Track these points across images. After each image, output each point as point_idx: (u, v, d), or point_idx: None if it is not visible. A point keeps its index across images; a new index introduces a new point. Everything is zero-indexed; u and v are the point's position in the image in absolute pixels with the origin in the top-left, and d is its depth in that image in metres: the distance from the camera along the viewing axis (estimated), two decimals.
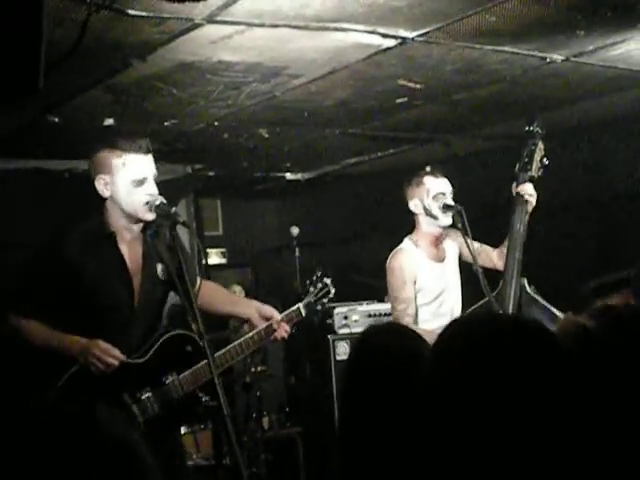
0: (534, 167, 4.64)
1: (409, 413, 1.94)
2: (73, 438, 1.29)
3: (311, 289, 4.20)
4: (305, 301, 4.15)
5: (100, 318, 3.70)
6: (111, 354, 3.62)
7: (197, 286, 3.99)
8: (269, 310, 4.04)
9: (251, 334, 3.95)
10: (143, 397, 3.70)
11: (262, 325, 3.98)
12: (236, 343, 3.93)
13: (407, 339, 2.40)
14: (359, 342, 2.44)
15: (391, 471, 2.09)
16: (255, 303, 4.13)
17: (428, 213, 4.84)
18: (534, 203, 4.62)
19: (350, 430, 2.29)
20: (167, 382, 3.76)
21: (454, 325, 1.72)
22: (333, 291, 4.25)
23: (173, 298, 4.16)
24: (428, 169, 5.06)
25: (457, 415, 1.53)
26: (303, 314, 4.13)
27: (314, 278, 4.25)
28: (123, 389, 3.67)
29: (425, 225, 4.89)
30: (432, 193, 4.82)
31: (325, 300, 4.22)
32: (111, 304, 3.74)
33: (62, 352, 3.63)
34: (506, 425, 1.49)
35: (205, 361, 3.68)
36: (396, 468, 2.08)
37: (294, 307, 4.10)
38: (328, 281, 4.25)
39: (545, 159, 4.66)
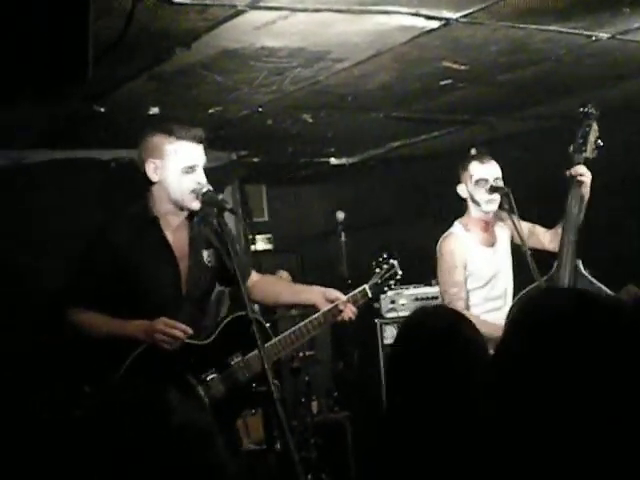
0: (589, 148, 4.61)
1: (455, 394, 1.93)
2: (149, 427, 1.30)
3: (377, 270, 4.17)
4: (371, 282, 4.13)
5: (149, 304, 3.74)
6: (177, 327, 3.64)
7: (250, 278, 4.03)
8: (334, 293, 4.04)
9: (317, 315, 3.96)
10: (208, 378, 3.73)
11: (326, 308, 3.97)
12: (302, 324, 3.94)
13: (453, 322, 2.39)
14: (405, 325, 2.44)
15: (438, 455, 2.09)
16: (318, 288, 4.13)
17: (472, 199, 4.85)
18: (589, 185, 4.59)
19: (397, 412, 2.29)
20: (232, 363, 3.78)
21: (533, 299, 1.69)
22: (400, 273, 4.22)
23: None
24: (474, 152, 5.05)
25: (542, 389, 1.50)
26: (369, 295, 4.11)
27: (380, 259, 4.21)
28: (187, 371, 3.70)
29: (473, 210, 4.89)
30: (475, 179, 4.83)
31: (392, 282, 4.20)
32: (159, 289, 3.78)
33: (126, 338, 3.66)
34: (591, 403, 1.46)
35: (271, 342, 3.71)
36: (443, 452, 2.07)
37: (360, 288, 4.10)
38: (395, 262, 4.21)
39: (599, 140, 4.63)
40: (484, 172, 4.82)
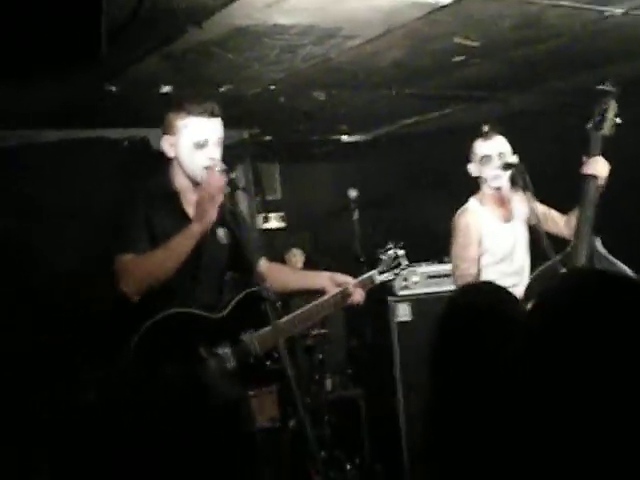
0: (607, 125, 4.59)
1: (501, 374, 1.92)
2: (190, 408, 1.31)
3: (383, 257, 4.19)
4: (379, 269, 4.16)
5: (168, 278, 3.74)
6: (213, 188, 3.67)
7: (259, 263, 4.05)
8: (342, 277, 4.07)
9: (326, 297, 3.99)
10: (220, 352, 3.74)
11: (336, 290, 3.99)
12: (312, 304, 3.96)
13: (498, 299, 2.38)
14: (450, 303, 2.42)
15: (483, 435, 2.08)
16: (326, 273, 4.15)
17: (481, 176, 4.87)
18: (605, 178, 4.57)
19: (442, 393, 2.28)
20: (244, 339, 3.79)
21: (557, 281, 1.68)
22: (405, 263, 4.24)
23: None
24: (485, 128, 5.03)
25: (563, 370, 1.49)
26: (377, 281, 4.15)
27: (387, 247, 4.24)
28: (199, 343, 3.71)
29: (485, 187, 4.89)
30: (478, 157, 4.85)
31: (396, 271, 4.22)
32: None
33: (186, 248, 3.67)
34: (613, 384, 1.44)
35: (283, 319, 3.73)
36: (488, 434, 2.06)
37: (368, 274, 4.13)
38: (400, 252, 4.24)
39: (618, 118, 4.61)
40: (487, 149, 4.84)
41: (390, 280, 4.27)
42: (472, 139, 4.98)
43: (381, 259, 4.20)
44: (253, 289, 3.81)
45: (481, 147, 4.86)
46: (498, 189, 4.87)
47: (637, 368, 1.44)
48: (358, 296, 4.03)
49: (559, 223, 4.93)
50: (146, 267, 3.69)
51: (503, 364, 2.00)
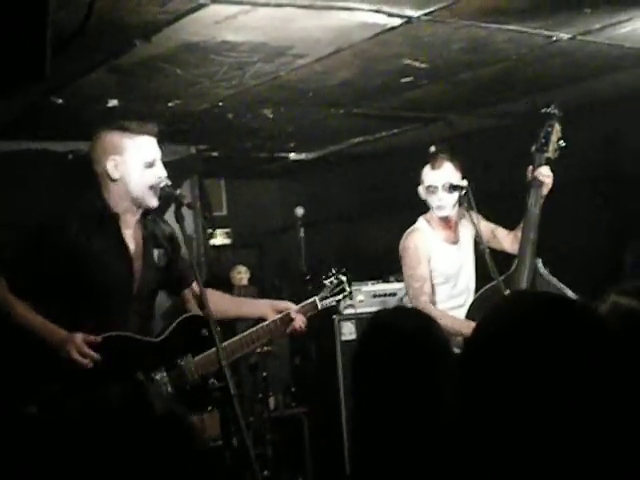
0: (551, 148, 4.65)
1: (424, 394, 1.93)
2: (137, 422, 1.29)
3: (327, 283, 4.20)
4: (321, 295, 4.15)
5: (98, 300, 3.70)
6: (85, 352, 3.58)
7: (191, 288, 4.03)
8: (284, 304, 4.07)
9: (267, 322, 3.97)
10: (157, 377, 3.70)
11: (278, 316, 3.99)
12: (250, 331, 3.94)
13: (417, 320, 2.39)
14: (372, 325, 2.43)
15: (404, 455, 2.09)
16: (265, 301, 4.20)
17: (427, 202, 4.88)
18: (550, 185, 4.63)
19: (362, 411, 2.28)
20: (181, 364, 3.76)
21: (497, 306, 1.68)
22: (348, 290, 4.25)
23: (167, 300, 4.19)
24: (433, 149, 5.05)
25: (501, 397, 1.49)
26: (319, 307, 4.14)
27: (330, 273, 4.25)
28: (137, 368, 3.67)
29: (435, 210, 4.89)
30: (425, 184, 4.85)
31: (340, 297, 4.22)
32: (110, 286, 3.74)
33: (41, 339, 3.59)
34: (549, 406, 1.45)
35: (223, 344, 3.69)
36: (408, 452, 2.07)
37: (310, 300, 4.11)
38: (344, 278, 4.24)
39: (561, 141, 4.67)
40: (433, 179, 4.83)
41: (332, 306, 4.27)
42: (419, 160, 4.98)
43: (324, 285, 4.20)
44: (192, 314, 3.80)
45: (427, 176, 4.85)
46: (445, 216, 4.88)
47: (570, 387, 1.45)
48: (299, 322, 4.02)
49: (506, 240, 4.96)
50: (12, 313, 3.64)
51: (438, 384, 2.02)
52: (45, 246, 3.68)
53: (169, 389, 3.70)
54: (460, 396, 1.56)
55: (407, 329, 2.32)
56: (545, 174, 4.61)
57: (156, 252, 3.89)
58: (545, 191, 4.64)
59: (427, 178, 4.85)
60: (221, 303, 4.09)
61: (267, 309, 4.05)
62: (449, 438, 1.55)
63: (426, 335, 2.29)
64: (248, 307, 4.20)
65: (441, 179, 4.80)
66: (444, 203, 4.80)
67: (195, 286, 4.02)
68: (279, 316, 3.99)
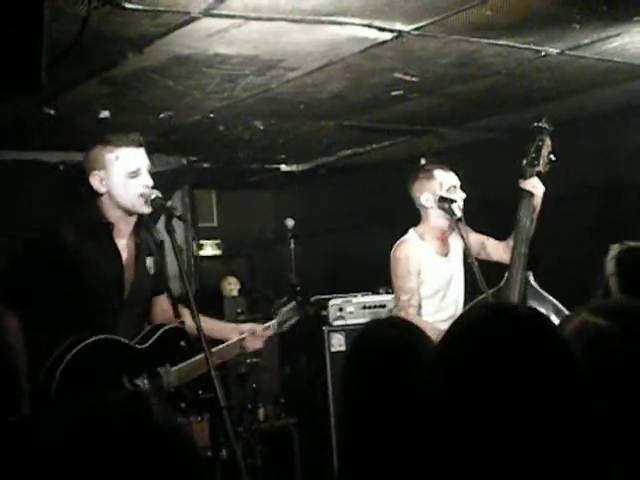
0: (541, 162, 4.68)
1: (409, 406, 1.94)
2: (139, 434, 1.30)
3: (282, 309, 4.44)
4: (276, 320, 4.36)
5: (90, 307, 3.72)
6: None
7: (160, 300, 4.09)
8: (246, 326, 4.24)
9: (225, 344, 4.10)
10: (139, 384, 3.72)
11: (237, 338, 4.14)
12: (212, 350, 3.95)
13: (407, 332, 2.40)
14: (362, 337, 2.44)
15: (392, 465, 2.10)
16: (232, 325, 4.35)
17: (441, 206, 4.80)
18: (540, 198, 4.65)
19: (350, 423, 2.29)
20: (160, 373, 3.78)
21: (458, 321, 1.72)
22: (296, 319, 4.49)
23: None
24: (423, 161, 5.08)
25: (458, 411, 1.53)
26: (276, 330, 4.36)
27: (283, 300, 4.67)
28: (122, 372, 3.69)
29: (434, 218, 4.87)
30: (445, 186, 4.82)
31: (292, 322, 4.46)
32: (102, 294, 3.77)
33: None
34: (506, 421, 1.48)
35: (196, 357, 3.74)
36: (397, 462, 2.08)
37: (267, 324, 4.29)
38: (291, 306, 4.49)
39: (552, 155, 4.70)
40: (452, 179, 4.83)
41: (285, 329, 4.47)
42: (410, 172, 4.99)
43: (280, 311, 4.43)
44: (176, 325, 3.84)
45: (446, 177, 4.75)
46: (453, 220, 4.82)
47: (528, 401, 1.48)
48: (253, 343, 4.18)
49: (497, 250, 4.96)
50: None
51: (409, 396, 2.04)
52: (43, 256, 3.72)
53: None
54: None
55: (398, 341, 2.33)
56: (535, 186, 4.64)
57: (148, 260, 3.93)
58: (536, 203, 4.66)
59: (446, 179, 4.81)
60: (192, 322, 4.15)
61: (233, 333, 4.17)
62: (439, 449, 1.57)
63: (416, 347, 2.31)
64: (215, 330, 4.19)
65: (457, 180, 4.82)
66: (461, 203, 4.80)
67: (165, 298, 4.09)
68: (236, 339, 4.13)
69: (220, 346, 4.05)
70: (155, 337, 3.82)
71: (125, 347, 3.71)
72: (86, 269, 3.73)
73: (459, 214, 4.75)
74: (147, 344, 3.79)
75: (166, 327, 3.87)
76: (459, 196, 4.82)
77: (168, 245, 3.85)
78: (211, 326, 4.21)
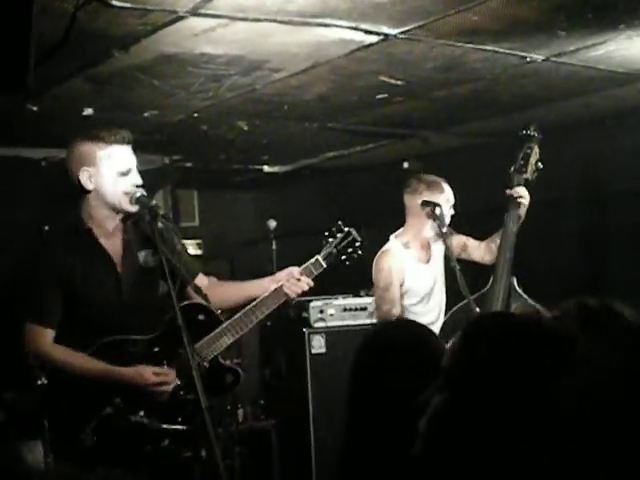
0: (529, 170, 4.71)
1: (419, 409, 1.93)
2: None
3: (330, 240, 4.03)
4: (324, 252, 4.01)
5: (92, 313, 3.70)
6: (157, 381, 3.67)
7: (200, 280, 4.00)
8: (284, 272, 3.96)
9: (267, 293, 3.91)
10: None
11: (279, 284, 3.92)
12: (252, 304, 3.89)
13: (415, 331, 2.40)
14: (374, 338, 2.42)
15: (398, 465, 2.09)
16: (268, 278, 4.03)
17: (439, 220, 4.76)
18: (527, 205, 4.67)
19: (357, 425, 2.28)
20: (182, 352, 3.67)
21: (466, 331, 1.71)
22: (359, 241, 4.05)
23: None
24: (406, 165, 5.10)
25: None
26: (324, 265, 3.98)
27: (333, 228, 4.07)
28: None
29: (428, 230, 4.86)
30: (451, 203, 4.85)
31: (350, 250, 4.04)
32: (100, 297, 3.74)
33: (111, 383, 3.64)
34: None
35: (220, 327, 3.78)
36: (403, 464, 2.07)
37: (312, 260, 3.99)
38: (352, 230, 4.07)
39: (540, 163, 4.72)
40: (452, 196, 4.86)
41: (344, 259, 4.03)
42: (393, 175, 5.01)
43: (328, 241, 4.04)
44: (185, 302, 3.78)
45: (451, 194, 4.81)
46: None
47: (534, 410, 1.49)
48: (303, 285, 3.90)
49: (478, 251, 4.99)
50: (58, 362, 3.67)
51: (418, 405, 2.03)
52: (39, 271, 3.71)
53: (177, 381, 3.71)
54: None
55: (405, 341, 2.33)
56: (522, 194, 4.66)
57: (142, 254, 3.86)
58: (522, 211, 4.68)
59: (451, 196, 4.85)
60: (227, 292, 4.08)
61: (269, 284, 3.95)
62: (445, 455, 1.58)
63: (425, 347, 2.30)
64: (252, 288, 4.04)
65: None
66: (448, 219, 4.82)
67: (204, 279, 4.05)
68: (279, 284, 3.90)
69: (259, 298, 3.89)
70: (166, 319, 3.73)
71: (134, 342, 3.73)
72: (80, 276, 3.71)
73: (446, 219, 4.78)
74: (159, 331, 3.75)
75: (179, 306, 3.62)
76: (449, 212, 4.85)
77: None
78: (248, 287, 4.09)
